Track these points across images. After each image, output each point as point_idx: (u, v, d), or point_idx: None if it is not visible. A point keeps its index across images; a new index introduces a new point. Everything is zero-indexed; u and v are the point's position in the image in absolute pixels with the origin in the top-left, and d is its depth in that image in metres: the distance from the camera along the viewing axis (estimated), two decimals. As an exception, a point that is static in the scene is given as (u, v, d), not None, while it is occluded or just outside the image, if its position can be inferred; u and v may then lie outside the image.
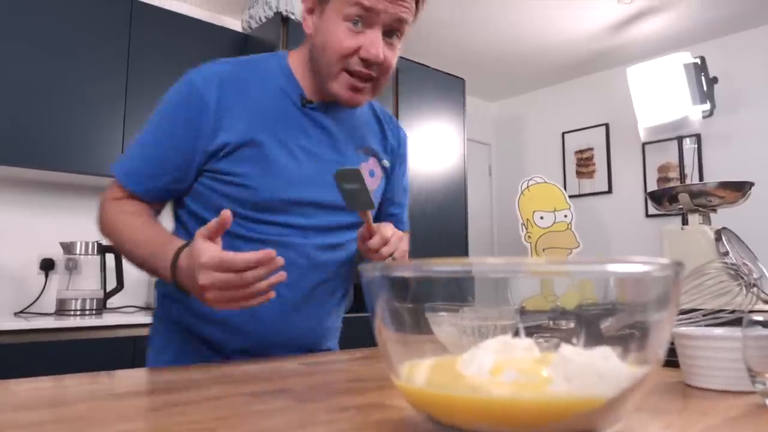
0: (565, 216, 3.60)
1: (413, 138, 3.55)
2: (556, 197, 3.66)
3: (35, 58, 2.45)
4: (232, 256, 0.77)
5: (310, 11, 1.02)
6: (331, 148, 1.06)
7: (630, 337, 0.44)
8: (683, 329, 0.70)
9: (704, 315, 0.82)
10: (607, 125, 4.27)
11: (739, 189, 1.40)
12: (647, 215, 3.99)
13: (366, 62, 0.97)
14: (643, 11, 3.39)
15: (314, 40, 1.01)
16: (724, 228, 1.39)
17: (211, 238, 0.81)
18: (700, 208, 1.42)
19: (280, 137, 1.01)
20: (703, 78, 3.29)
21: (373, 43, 0.96)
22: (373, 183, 1.13)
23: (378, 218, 1.21)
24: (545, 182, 3.73)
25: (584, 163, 4.39)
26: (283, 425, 0.51)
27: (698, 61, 3.38)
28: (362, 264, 0.51)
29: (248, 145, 0.98)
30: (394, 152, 1.21)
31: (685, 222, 1.42)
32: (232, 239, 0.97)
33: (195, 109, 0.97)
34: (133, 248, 0.96)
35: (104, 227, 1.03)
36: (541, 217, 3.61)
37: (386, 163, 1.17)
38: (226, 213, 0.79)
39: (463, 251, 3.74)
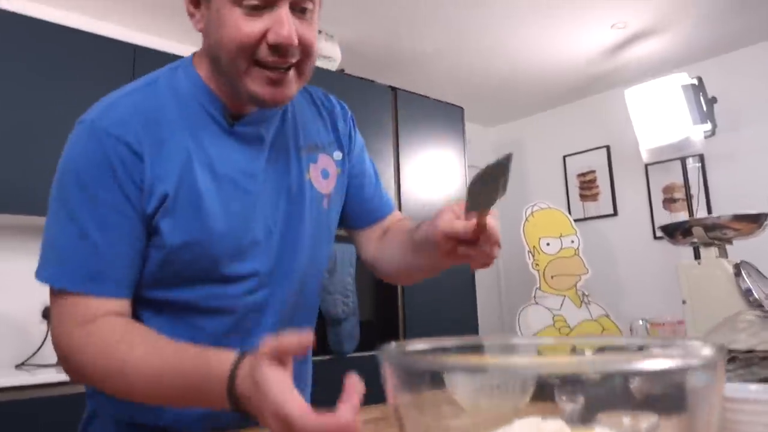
0: (572, 241, 3.57)
1: (414, 167, 3.54)
2: (561, 222, 3.63)
3: (36, 103, 2.45)
4: (318, 422, 0.55)
5: (195, 3, 0.84)
6: (274, 164, 0.89)
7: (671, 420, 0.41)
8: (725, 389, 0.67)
9: (741, 356, 0.79)
10: (608, 147, 4.26)
11: (755, 221, 1.37)
12: (655, 237, 3.96)
13: (277, 48, 0.78)
14: (638, 34, 3.41)
15: (209, 37, 0.82)
16: (742, 261, 1.36)
17: (280, 360, 0.60)
18: (715, 241, 1.39)
19: (213, 173, 0.83)
20: (701, 98, 3.28)
21: (280, 22, 0.77)
22: (328, 184, 0.96)
23: (354, 210, 1.06)
24: (549, 207, 3.71)
25: (587, 186, 4.37)
26: None
27: (696, 81, 3.38)
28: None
29: (183, 192, 0.80)
30: (350, 137, 1.04)
31: (697, 253, 1.39)
32: (183, 313, 0.83)
33: (124, 163, 0.77)
34: (153, 389, 0.71)
35: (88, 372, 0.74)
36: (548, 244, 3.58)
37: (338, 155, 0.99)
38: (309, 336, 0.59)
39: (469, 281, 3.70)
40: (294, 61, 0.80)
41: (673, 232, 1.44)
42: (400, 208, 3.47)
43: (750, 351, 0.72)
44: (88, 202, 0.76)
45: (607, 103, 4.28)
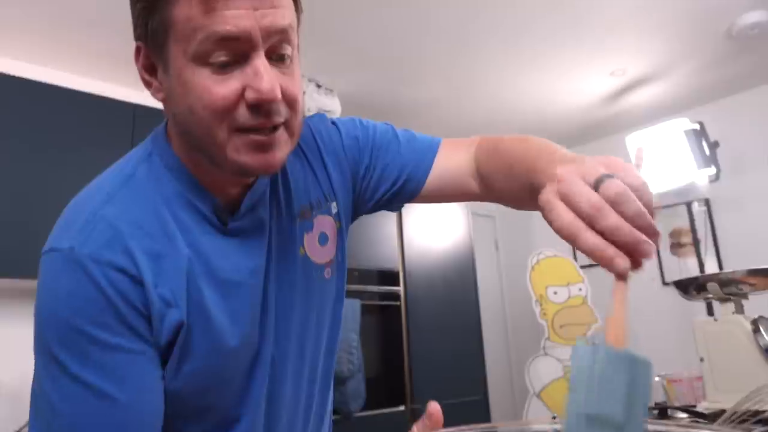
0: (580, 289, 3.51)
1: (416, 215, 3.52)
2: (568, 270, 3.58)
3: (35, 165, 2.45)
4: None
5: (150, 69, 0.69)
6: (277, 255, 0.78)
7: None
8: None
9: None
10: (611, 193, 4.25)
11: (771, 274, 1.33)
12: (664, 283, 3.90)
13: (259, 108, 0.64)
14: (637, 81, 3.43)
15: (174, 108, 0.68)
16: (760, 317, 1.31)
17: None
18: (731, 297, 1.35)
19: (216, 280, 0.71)
20: (704, 142, 3.28)
21: (258, 76, 0.63)
22: (329, 250, 0.85)
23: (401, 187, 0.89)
24: (555, 255, 3.66)
25: (592, 232, 4.33)
26: None
27: (697, 126, 3.38)
28: None
29: (194, 314, 0.69)
30: (339, 153, 0.88)
31: (710, 309, 1.35)
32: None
33: (124, 294, 0.64)
34: None
35: None
36: (555, 293, 3.51)
37: (335, 206, 0.86)
38: (435, 408, 0.52)
39: (476, 334, 3.63)
40: (281, 120, 0.66)
41: (687, 288, 1.40)
42: (402, 257, 3.43)
43: None
44: (91, 352, 0.62)
45: (608, 148, 4.29)
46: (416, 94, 3.46)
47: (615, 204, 0.47)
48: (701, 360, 1.33)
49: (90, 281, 0.62)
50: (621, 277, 0.47)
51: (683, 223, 3.83)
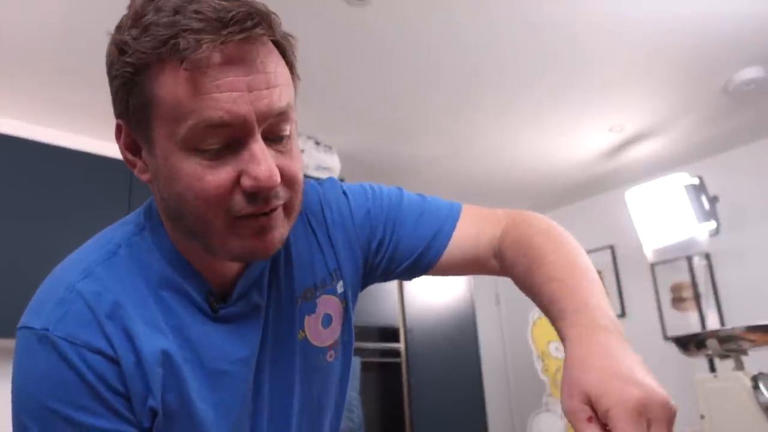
0: (582, 345, 3.48)
1: (418, 280, 3.52)
2: (569, 325, 3.56)
3: (30, 223, 2.45)
4: None
5: (133, 149, 0.65)
6: (273, 337, 0.74)
7: None
8: None
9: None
10: (612, 247, 4.25)
11: (769, 331, 1.33)
12: (665, 337, 3.86)
13: (256, 196, 0.60)
14: (635, 136, 3.49)
15: (162, 192, 0.63)
16: (760, 373, 1.31)
17: None
18: (731, 353, 1.34)
19: (203, 369, 0.67)
20: (703, 197, 3.32)
21: (255, 161, 0.58)
22: (332, 332, 0.80)
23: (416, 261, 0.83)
24: (557, 310, 3.65)
25: (594, 286, 4.32)
26: None
27: (697, 181, 3.43)
28: None
29: (172, 401, 0.65)
30: (352, 240, 0.82)
31: (711, 365, 1.35)
32: None
33: (102, 376, 0.60)
34: None
35: None
36: (557, 348, 3.48)
37: (341, 285, 0.80)
38: None
39: (478, 391, 3.57)
40: (280, 203, 0.62)
41: (687, 344, 1.39)
42: (402, 314, 3.42)
43: None
44: None
45: (608, 203, 4.32)
46: (416, 152, 3.52)
47: None
48: (702, 417, 1.31)
49: (66, 364, 0.59)
50: None
51: (684, 277, 3.82)
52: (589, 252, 4.02)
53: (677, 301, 3.81)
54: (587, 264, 0.70)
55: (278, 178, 0.59)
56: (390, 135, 3.32)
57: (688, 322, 3.72)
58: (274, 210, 0.62)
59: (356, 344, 3.14)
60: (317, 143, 3.15)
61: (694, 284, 3.68)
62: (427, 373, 3.42)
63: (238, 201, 0.60)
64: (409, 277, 0.88)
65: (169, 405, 0.64)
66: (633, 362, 0.55)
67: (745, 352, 1.38)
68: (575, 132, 3.38)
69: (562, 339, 0.60)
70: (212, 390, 0.67)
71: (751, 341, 1.32)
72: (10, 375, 0.63)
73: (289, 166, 0.62)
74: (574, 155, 3.68)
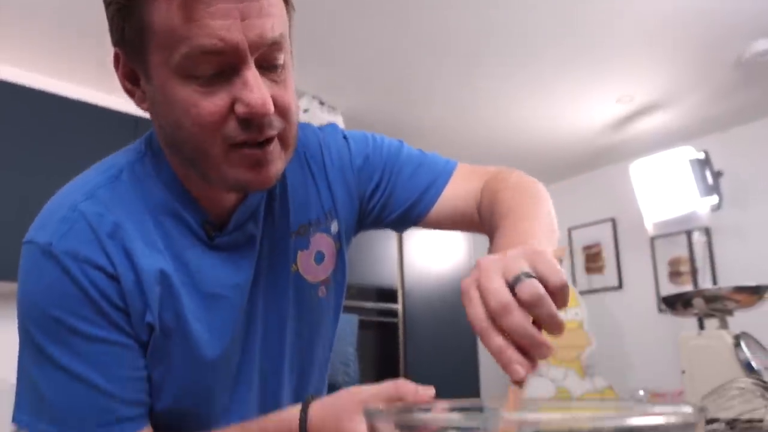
0: (576, 314, 3.53)
1: (418, 236, 3.55)
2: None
3: (34, 175, 2.44)
4: None
5: (131, 77, 0.66)
6: (267, 269, 0.77)
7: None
8: None
9: (727, 423, 0.77)
10: (613, 220, 4.27)
11: (756, 292, 1.36)
12: (660, 310, 3.90)
13: (250, 122, 0.61)
14: (643, 108, 3.48)
15: (160, 119, 0.66)
16: (742, 333, 1.34)
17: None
18: (716, 313, 1.38)
19: (198, 292, 0.71)
20: (707, 172, 3.32)
21: (248, 88, 0.60)
22: (324, 268, 0.83)
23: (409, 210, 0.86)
24: (554, 279, 3.69)
25: (593, 259, 4.35)
26: None
27: (702, 155, 3.42)
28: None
29: (168, 320, 0.69)
30: (349, 183, 0.85)
31: (701, 325, 1.38)
32: None
33: (103, 290, 0.64)
34: None
35: None
36: (552, 315, 3.54)
37: (335, 226, 0.83)
38: (430, 392, 0.57)
39: (472, 352, 3.64)
40: (274, 133, 0.64)
41: (675, 303, 1.43)
42: (401, 276, 3.46)
43: (734, 419, 0.71)
44: (72, 343, 0.63)
45: (612, 176, 4.32)
46: (421, 116, 3.52)
47: (527, 306, 0.47)
48: (683, 372, 1.35)
49: (68, 277, 0.63)
50: (516, 382, 0.46)
51: (683, 252, 3.84)
52: (590, 224, 4.07)
53: (674, 275, 3.84)
54: (543, 210, 0.71)
55: (271, 106, 0.60)
56: (396, 98, 3.32)
57: (683, 296, 3.76)
58: (269, 141, 0.64)
59: (354, 303, 3.22)
60: (321, 103, 3.15)
61: (692, 259, 3.70)
62: (423, 334, 3.48)
63: (233, 128, 0.61)
64: (399, 228, 0.91)
65: (165, 322, 0.67)
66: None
67: (730, 313, 1.41)
68: (583, 102, 3.37)
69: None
70: (207, 312, 0.70)
71: (737, 302, 1.35)
72: (14, 319, 0.67)
73: (282, 96, 0.63)
74: (580, 126, 3.67)
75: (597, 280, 4.30)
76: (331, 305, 0.85)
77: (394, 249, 3.46)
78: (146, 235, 0.67)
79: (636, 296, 4.07)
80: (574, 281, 4.38)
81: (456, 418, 0.42)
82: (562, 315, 0.50)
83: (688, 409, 0.41)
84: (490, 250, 0.63)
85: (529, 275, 0.48)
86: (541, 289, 0.47)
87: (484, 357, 4.04)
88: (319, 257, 0.82)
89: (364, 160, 0.85)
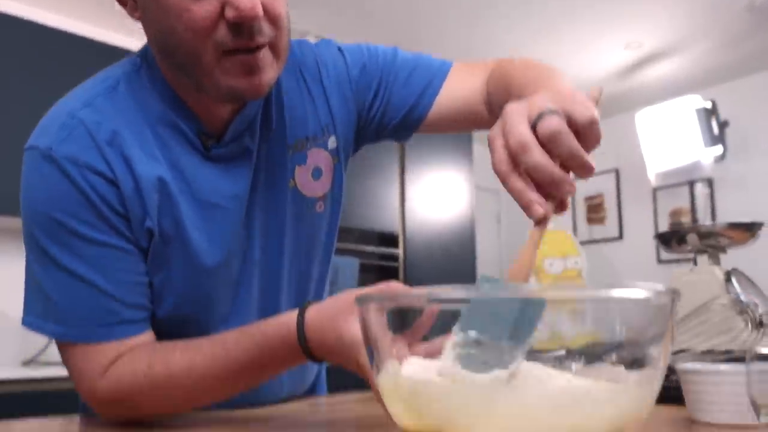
0: (576, 263, 3.54)
1: (419, 185, 3.55)
2: (566, 244, 3.61)
3: (18, 105, 2.45)
4: None
5: None
6: (264, 183, 0.78)
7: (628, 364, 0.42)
8: (688, 365, 0.68)
9: (703, 353, 0.80)
10: (617, 171, 4.26)
11: (749, 229, 1.37)
12: (659, 261, 3.93)
13: (240, 27, 0.62)
14: (652, 56, 3.42)
15: (152, 28, 0.66)
16: (734, 269, 1.35)
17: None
18: (709, 249, 1.39)
19: (195, 201, 0.72)
20: (714, 122, 3.29)
21: None
22: (322, 184, 0.83)
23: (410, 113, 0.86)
24: (555, 229, 3.70)
25: (594, 210, 4.36)
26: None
27: (709, 105, 3.38)
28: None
29: (167, 226, 0.70)
30: (347, 95, 0.85)
31: (695, 263, 1.40)
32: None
33: (102, 195, 0.66)
34: (218, 377, 0.66)
35: (137, 412, 0.70)
36: (551, 264, 3.56)
37: (333, 141, 0.84)
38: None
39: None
40: (264, 41, 0.64)
41: (670, 240, 1.43)
42: (403, 222, 3.48)
43: (708, 351, 0.73)
44: (74, 245, 0.65)
45: (618, 126, 4.28)
46: (425, 58, 3.46)
47: (548, 142, 0.46)
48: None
49: (68, 181, 0.64)
50: (538, 222, 0.46)
51: (684, 203, 3.84)
52: (593, 175, 4.08)
53: (675, 227, 3.85)
54: (564, 77, 0.69)
55: (260, 11, 0.61)
56: (401, 40, 3.27)
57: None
58: (260, 48, 0.64)
59: (355, 246, 3.23)
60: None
61: (693, 210, 3.70)
62: (423, 279, 3.52)
63: (224, 34, 0.62)
64: (403, 136, 0.91)
65: (164, 229, 0.69)
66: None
67: (723, 250, 1.42)
68: (591, 48, 3.32)
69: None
70: (205, 221, 0.72)
71: (730, 238, 1.36)
72: (15, 252, 0.69)
73: (272, 3, 0.64)
74: (587, 74, 3.62)
75: (598, 231, 4.32)
76: (327, 220, 0.87)
77: (395, 194, 3.46)
78: (144, 144, 0.69)
79: (636, 247, 4.09)
80: (575, 231, 4.40)
81: (452, 292, 0.42)
82: (562, 264, 0.50)
83: (660, 288, 0.43)
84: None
85: (551, 111, 0.47)
86: (562, 125, 0.46)
87: (480, 246, 4.10)
88: (317, 173, 0.82)
89: (361, 70, 0.85)
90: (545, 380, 0.40)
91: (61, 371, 2.12)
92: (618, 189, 4.25)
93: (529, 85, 0.65)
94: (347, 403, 0.89)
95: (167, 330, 0.73)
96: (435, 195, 3.62)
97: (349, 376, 0.62)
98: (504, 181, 0.48)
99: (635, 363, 0.42)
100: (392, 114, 0.86)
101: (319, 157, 0.83)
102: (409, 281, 3.45)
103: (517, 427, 0.38)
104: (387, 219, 3.42)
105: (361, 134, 0.89)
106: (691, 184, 3.75)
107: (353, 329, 0.57)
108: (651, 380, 0.42)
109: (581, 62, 3.50)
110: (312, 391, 1.01)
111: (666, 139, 3.48)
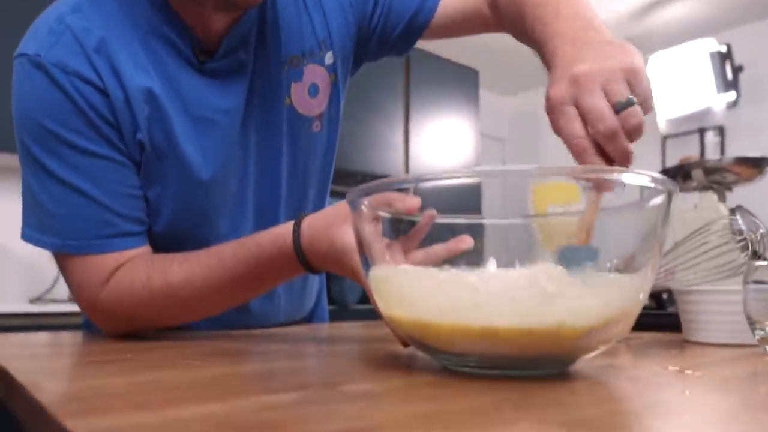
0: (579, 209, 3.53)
1: (424, 130, 3.50)
2: (569, 191, 3.59)
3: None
4: None
5: None
6: (259, 90, 0.77)
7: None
8: (684, 286, 0.67)
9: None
10: (626, 118, 4.19)
11: (757, 165, 1.33)
12: (666, 210, 3.90)
13: None
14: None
15: None
16: (738, 206, 1.32)
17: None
18: (714, 185, 1.36)
19: (187, 114, 0.71)
20: (728, 66, 3.20)
21: None
22: (319, 102, 0.82)
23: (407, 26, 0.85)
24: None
25: (602, 157, 4.31)
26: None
27: (724, 48, 3.28)
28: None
29: (158, 138, 0.69)
30: (346, 8, 0.83)
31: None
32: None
33: (92, 103, 0.65)
34: (215, 288, 0.66)
35: (137, 325, 0.70)
36: (554, 212, 3.55)
37: (330, 57, 0.82)
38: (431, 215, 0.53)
39: (477, 244, 3.68)
40: None
41: (675, 176, 1.40)
42: (406, 168, 3.45)
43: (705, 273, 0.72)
44: (66, 155, 0.65)
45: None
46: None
47: (628, 134, 0.48)
48: (674, 244, 1.35)
49: (57, 88, 0.64)
50: (602, 189, 0.49)
51: (694, 152, 3.78)
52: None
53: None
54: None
55: None
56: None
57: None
58: None
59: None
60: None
61: (703, 159, 3.65)
62: (425, 237, 3.51)
63: None
64: (406, 46, 0.89)
65: (156, 142, 0.69)
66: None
67: (729, 188, 1.39)
68: (603, -12, 3.20)
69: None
70: (198, 135, 0.72)
71: (737, 174, 1.33)
72: (11, 190, 0.68)
73: None
74: (600, 14, 3.50)
75: (604, 180, 4.28)
76: (324, 141, 0.86)
77: (400, 139, 3.42)
78: (133, 54, 0.68)
79: (642, 196, 4.06)
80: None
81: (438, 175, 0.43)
82: (564, 210, 0.53)
83: (658, 176, 0.42)
84: (548, 48, 0.59)
85: (632, 102, 0.48)
86: (642, 119, 0.47)
87: (484, 195, 4.12)
88: (314, 90, 0.81)
89: None
90: (537, 273, 0.39)
91: (69, 308, 2.15)
92: (627, 136, 4.19)
93: (549, 10, 0.63)
94: (349, 328, 0.90)
95: (165, 246, 0.73)
96: (440, 141, 3.58)
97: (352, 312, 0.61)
98: (581, 157, 0.49)
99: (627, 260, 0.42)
100: (395, 20, 0.85)
101: (315, 74, 0.81)
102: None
103: (507, 314, 0.37)
104: (390, 164, 3.39)
105: (362, 48, 0.87)
106: (702, 131, 3.67)
107: (347, 236, 0.57)
108: (642, 273, 0.41)
109: (596, 3, 3.38)
110: (311, 319, 1.02)
111: (677, 85, 3.39)
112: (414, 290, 0.41)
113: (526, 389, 0.36)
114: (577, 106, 0.49)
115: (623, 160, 0.49)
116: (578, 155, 0.49)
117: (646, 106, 0.49)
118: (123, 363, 0.50)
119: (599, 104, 0.48)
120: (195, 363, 0.49)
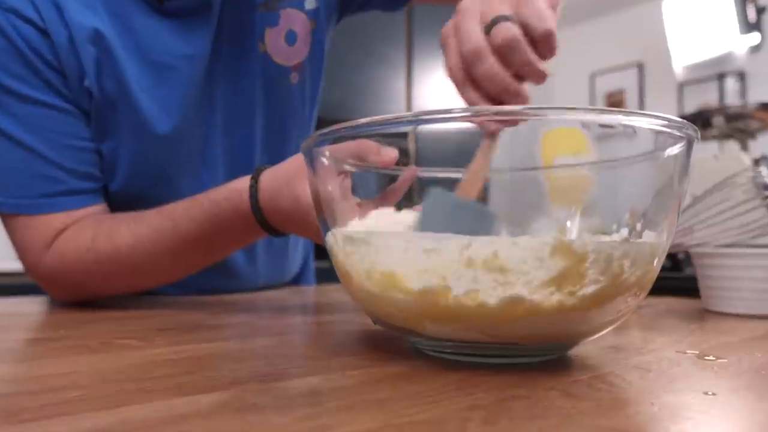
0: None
1: (427, 80, 3.38)
2: (578, 141, 3.47)
3: None
4: None
5: None
6: (227, 35, 0.70)
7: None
8: (704, 249, 0.59)
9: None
10: (640, 65, 4.01)
11: (783, 110, 1.23)
12: (681, 161, 3.78)
13: None
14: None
15: None
16: (764, 156, 1.23)
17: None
18: (736, 134, 1.26)
19: (143, 60, 0.65)
20: (750, 7, 3.01)
21: None
22: (297, 51, 0.75)
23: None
24: (566, 126, 3.55)
25: (615, 106, 4.15)
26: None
27: (746, -12, 3.09)
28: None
29: (108, 86, 0.63)
30: None
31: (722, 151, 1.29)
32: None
33: (33, 45, 0.60)
34: (166, 252, 0.60)
35: (84, 291, 0.64)
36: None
37: (310, 2, 0.75)
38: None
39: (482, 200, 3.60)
40: None
41: (695, 123, 1.30)
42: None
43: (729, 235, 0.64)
44: (5, 103, 0.60)
45: (642, 15, 3.99)
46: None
47: (500, 51, 0.42)
48: (693, 198, 1.26)
49: None
50: (488, 134, 0.44)
51: (712, 99, 3.63)
52: (614, 69, 3.81)
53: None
54: None
55: None
56: None
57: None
58: None
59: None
60: None
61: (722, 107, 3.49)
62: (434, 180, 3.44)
63: None
64: (398, 3, 0.83)
65: (106, 90, 0.63)
66: None
67: (752, 135, 1.29)
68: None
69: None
70: (155, 83, 0.65)
71: (761, 120, 1.22)
72: None
73: None
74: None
75: (617, 129, 4.16)
76: (306, 94, 0.79)
77: (402, 88, 3.31)
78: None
79: (656, 146, 3.94)
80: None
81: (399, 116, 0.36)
82: (572, 161, 0.45)
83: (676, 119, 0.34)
84: None
85: (506, 18, 0.43)
86: (516, 33, 0.42)
87: (494, 204, 4.05)
88: (291, 37, 0.74)
89: None
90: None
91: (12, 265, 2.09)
92: (640, 84, 4.03)
93: None
94: (333, 293, 0.83)
95: (124, 208, 0.66)
96: (443, 90, 3.45)
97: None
98: (458, 89, 0.45)
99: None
100: None
101: (294, 19, 0.74)
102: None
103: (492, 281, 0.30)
104: (393, 113, 3.29)
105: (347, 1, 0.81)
106: (721, 77, 3.51)
107: (306, 192, 0.50)
108: (657, 235, 0.34)
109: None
110: (296, 285, 0.95)
111: (695, 28, 3.22)
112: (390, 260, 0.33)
113: (506, 387, 0.29)
114: (455, 36, 0.45)
115: (497, 85, 0.42)
116: (455, 90, 0.45)
117: (534, 26, 0.42)
118: (49, 343, 0.44)
119: (466, 26, 0.43)
120: (133, 343, 0.42)
